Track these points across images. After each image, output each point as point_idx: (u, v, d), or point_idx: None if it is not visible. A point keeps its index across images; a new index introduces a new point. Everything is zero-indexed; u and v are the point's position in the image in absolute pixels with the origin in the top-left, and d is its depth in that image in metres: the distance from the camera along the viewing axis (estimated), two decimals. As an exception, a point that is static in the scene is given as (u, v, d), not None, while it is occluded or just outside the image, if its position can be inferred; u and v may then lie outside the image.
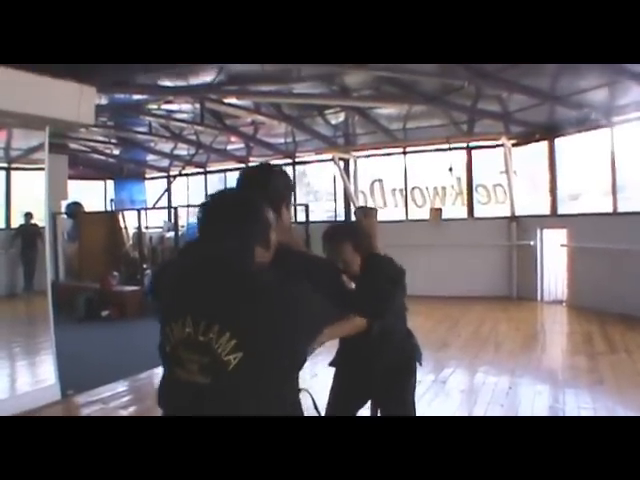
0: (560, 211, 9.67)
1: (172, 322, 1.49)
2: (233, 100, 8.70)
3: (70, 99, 5.11)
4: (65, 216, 11.94)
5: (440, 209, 11.10)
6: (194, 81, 7.40)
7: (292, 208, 2.00)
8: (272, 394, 1.45)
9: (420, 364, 2.95)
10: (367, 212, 2.78)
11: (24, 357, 6.61)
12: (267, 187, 1.86)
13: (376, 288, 2.42)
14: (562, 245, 9.33)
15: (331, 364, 3.00)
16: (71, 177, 12.50)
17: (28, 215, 9.87)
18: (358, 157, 12.01)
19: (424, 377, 5.47)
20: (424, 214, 11.30)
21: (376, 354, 2.80)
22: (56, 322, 5.50)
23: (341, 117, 10.45)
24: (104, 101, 7.84)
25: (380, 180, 11.73)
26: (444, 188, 11.05)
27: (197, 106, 9.06)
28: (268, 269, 1.57)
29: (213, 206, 1.59)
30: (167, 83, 7.52)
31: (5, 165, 10.01)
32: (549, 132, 9.47)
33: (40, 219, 6.96)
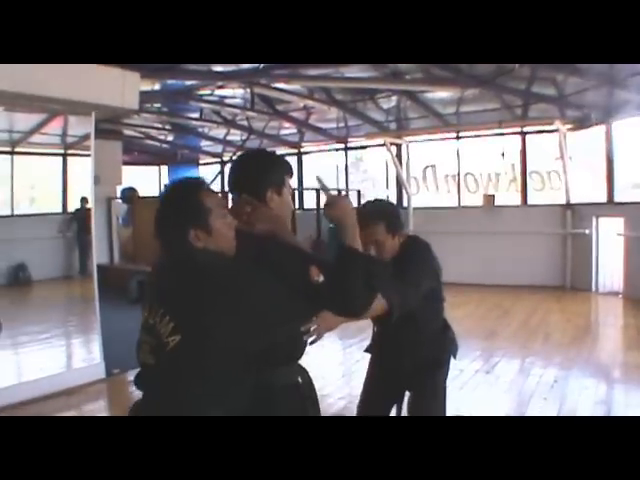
0: (617, 199, 9.29)
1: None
2: (283, 85, 8.69)
3: (114, 85, 5.23)
4: (120, 201, 12.22)
5: (493, 195, 10.85)
6: (244, 66, 7.38)
7: (288, 194, 1.88)
8: (220, 377, 1.45)
9: (455, 358, 2.82)
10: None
11: (77, 336, 6.88)
12: (238, 173, 1.87)
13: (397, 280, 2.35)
14: (619, 234, 8.96)
15: (366, 350, 2.96)
16: (126, 163, 12.76)
17: (84, 200, 10.13)
18: (410, 142, 11.82)
19: (468, 366, 5.38)
20: (477, 200, 11.07)
21: (407, 347, 2.70)
22: (109, 303, 5.66)
23: (393, 102, 10.31)
24: (157, 87, 7.94)
25: (433, 166, 11.53)
26: (497, 174, 10.79)
27: (248, 91, 9.08)
28: (228, 256, 1.58)
29: (161, 200, 1.63)
30: (217, 68, 7.54)
31: (62, 151, 10.36)
32: (606, 116, 9.08)
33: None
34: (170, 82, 7.87)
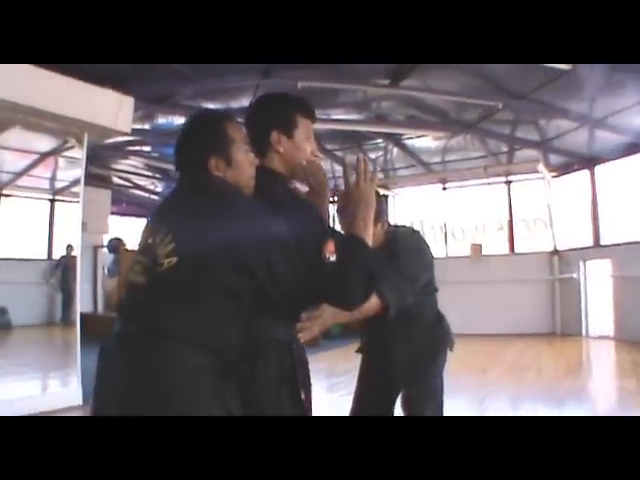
0: (603, 241, 9.36)
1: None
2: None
3: (109, 106, 5.33)
4: (106, 250, 12.15)
5: (480, 245, 10.90)
6: (235, 104, 7.48)
7: (303, 139, 1.67)
8: (209, 307, 1.38)
9: (451, 350, 2.70)
10: None
11: (55, 371, 6.61)
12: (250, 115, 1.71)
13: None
14: (610, 276, 8.95)
15: (358, 351, 2.84)
16: (114, 213, 12.77)
17: (69, 247, 10.10)
18: (396, 194, 11.95)
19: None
20: (464, 250, 11.10)
21: (401, 340, 2.56)
22: (91, 348, 5.47)
23: (380, 151, 10.48)
24: (146, 126, 8.04)
25: (420, 217, 11.62)
26: (484, 223, 10.89)
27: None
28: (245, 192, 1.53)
29: (183, 126, 1.59)
30: (209, 105, 7.62)
31: (50, 197, 10.37)
32: (589, 161, 9.29)
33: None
34: (161, 122, 7.96)
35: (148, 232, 1.47)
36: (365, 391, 2.69)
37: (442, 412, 2.56)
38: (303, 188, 1.75)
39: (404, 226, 2.74)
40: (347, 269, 1.45)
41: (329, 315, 1.86)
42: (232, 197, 1.47)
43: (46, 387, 5.86)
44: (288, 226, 1.43)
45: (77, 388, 5.17)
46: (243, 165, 1.52)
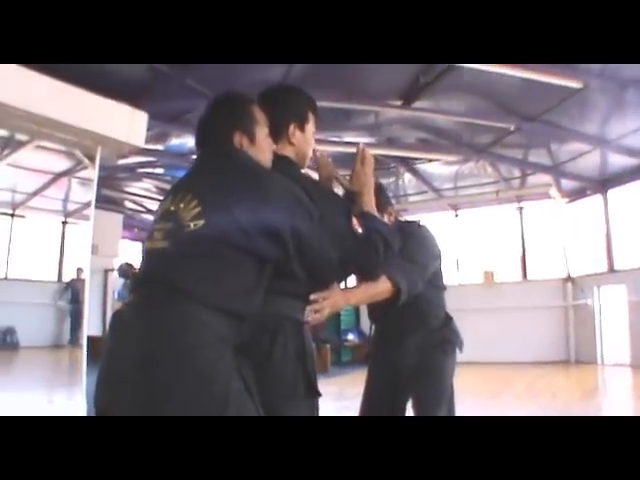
0: (618, 266, 9.23)
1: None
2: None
3: (122, 120, 5.38)
4: (116, 274, 12.14)
5: (492, 272, 10.81)
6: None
7: (311, 134, 1.81)
8: (233, 270, 1.38)
9: (460, 351, 2.65)
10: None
11: (61, 388, 6.54)
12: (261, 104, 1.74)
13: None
14: (625, 301, 8.78)
15: (366, 357, 2.78)
16: (125, 237, 12.80)
17: (79, 270, 10.13)
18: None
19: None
20: (477, 277, 10.98)
21: (411, 337, 2.53)
22: (96, 371, 5.42)
23: (392, 177, 10.47)
24: (160, 146, 8.10)
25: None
26: (497, 250, 10.82)
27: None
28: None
29: (209, 104, 1.67)
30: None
31: (62, 219, 10.44)
32: (602, 184, 9.23)
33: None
34: (174, 143, 8.01)
35: (169, 202, 1.47)
36: (373, 397, 2.62)
37: (454, 411, 2.50)
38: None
39: (415, 220, 2.73)
40: (369, 236, 1.63)
41: (339, 297, 1.81)
42: (259, 166, 1.55)
43: (51, 402, 5.78)
44: (314, 201, 1.53)
45: (82, 404, 5.11)
46: (264, 146, 1.60)
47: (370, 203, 1.76)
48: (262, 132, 1.60)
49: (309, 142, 1.79)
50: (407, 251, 2.29)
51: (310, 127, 1.79)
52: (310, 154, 1.82)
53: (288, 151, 1.72)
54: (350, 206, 1.73)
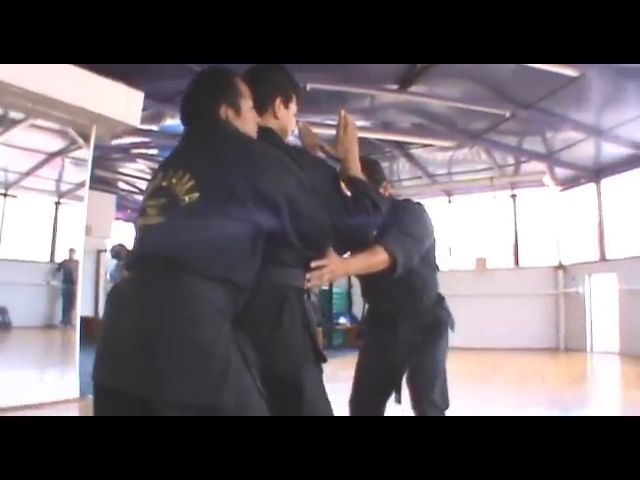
0: (609, 255, 9.29)
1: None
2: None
3: (118, 99, 5.34)
4: (109, 255, 12.12)
5: (484, 258, 10.85)
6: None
7: (292, 113, 1.81)
8: (231, 240, 1.38)
9: (452, 330, 2.67)
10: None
11: (54, 367, 6.54)
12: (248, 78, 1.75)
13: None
14: (616, 290, 8.86)
15: (357, 335, 2.78)
16: (119, 219, 12.78)
17: (71, 251, 10.08)
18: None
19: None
20: (468, 263, 11.04)
21: (405, 316, 2.53)
22: (89, 351, 5.42)
23: (386, 162, 10.45)
24: (154, 127, 8.05)
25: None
26: (489, 236, 10.85)
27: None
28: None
29: (194, 78, 1.68)
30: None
31: (55, 199, 10.37)
32: (595, 174, 9.26)
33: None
34: (169, 123, 7.96)
35: (160, 179, 1.46)
36: (366, 377, 2.63)
37: (447, 390, 2.52)
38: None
39: (406, 199, 2.73)
40: (358, 199, 1.64)
41: (338, 264, 1.82)
42: (247, 136, 1.56)
43: (44, 380, 5.79)
44: (302, 169, 1.54)
45: (75, 381, 5.13)
46: (249, 118, 1.61)
47: (356, 169, 1.76)
48: (246, 104, 1.61)
49: (291, 120, 1.81)
50: (403, 225, 2.30)
51: (293, 106, 1.80)
52: (290, 132, 1.84)
53: (272, 124, 1.73)
54: (337, 172, 1.73)
